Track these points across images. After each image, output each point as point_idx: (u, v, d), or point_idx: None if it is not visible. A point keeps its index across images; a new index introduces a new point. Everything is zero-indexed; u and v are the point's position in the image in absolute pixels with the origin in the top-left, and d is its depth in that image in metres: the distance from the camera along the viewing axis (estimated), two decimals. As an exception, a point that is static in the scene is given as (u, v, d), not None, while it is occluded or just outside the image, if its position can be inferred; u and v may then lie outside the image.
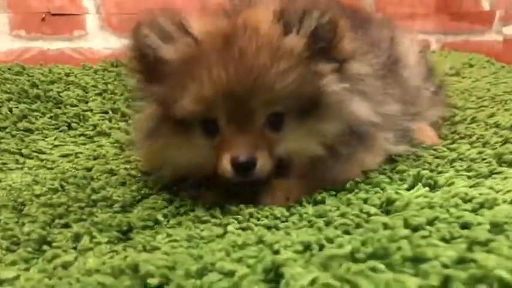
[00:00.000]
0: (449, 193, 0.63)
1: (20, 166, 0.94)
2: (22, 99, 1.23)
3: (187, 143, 0.69)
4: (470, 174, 0.75)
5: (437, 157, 0.93)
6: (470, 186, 0.68)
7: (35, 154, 1.00)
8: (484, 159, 0.87)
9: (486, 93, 1.54)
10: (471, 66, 1.87)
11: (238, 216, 0.63)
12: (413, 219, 0.52)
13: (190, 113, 0.66)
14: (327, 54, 0.69)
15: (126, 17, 1.63)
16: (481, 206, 0.55)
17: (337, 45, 0.69)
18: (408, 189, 0.69)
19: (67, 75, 1.43)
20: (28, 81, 1.32)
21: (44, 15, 1.52)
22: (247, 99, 0.64)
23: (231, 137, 0.65)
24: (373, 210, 0.58)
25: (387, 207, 0.60)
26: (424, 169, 0.82)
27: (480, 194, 0.58)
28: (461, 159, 0.88)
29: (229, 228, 0.59)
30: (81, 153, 1.02)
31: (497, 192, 0.61)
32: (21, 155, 1.00)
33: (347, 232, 0.53)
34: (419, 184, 0.68)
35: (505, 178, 0.69)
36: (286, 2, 0.69)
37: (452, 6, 2.17)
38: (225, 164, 0.64)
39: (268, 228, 0.59)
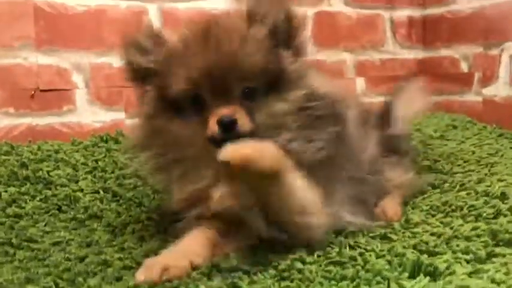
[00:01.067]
0: (450, 284, 0.63)
1: (9, 259, 0.91)
2: (11, 182, 1.22)
3: (182, 121, 0.89)
4: (468, 257, 0.75)
5: (432, 234, 0.93)
6: (470, 274, 0.68)
7: (25, 243, 0.97)
8: (479, 236, 0.87)
9: (471, 155, 1.57)
10: (454, 127, 1.92)
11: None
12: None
13: (182, 91, 0.86)
14: (286, 42, 0.91)
15: (115, 90, 1.65)
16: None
17: (294, 35, 0.92)
18: (409, 277, 0.69)
19: (56, 152, 1.43)
20: (17, 161, 1.31)
21: (33, 92, 1.53)
22: (225, 77, 0.85)
23: (215, 106, 0.85)
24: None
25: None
26: (421, 251, 0.82)
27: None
28: (456, 236, 0.89)
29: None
30: (72, 239, 1.00)
31: (498, 284, 0.61)
32: (11, 245, 0.97)
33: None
34: (421, 274, 0.67)
35: (505, 264, 0.70)
36: (254, 3, 0.91)
37: (433, 68, 2.24)
38: (212, 125, 0.83)
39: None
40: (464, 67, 2.10)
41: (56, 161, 1.37)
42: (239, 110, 0.84)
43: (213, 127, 0.83)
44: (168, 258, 0.80)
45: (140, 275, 0.76)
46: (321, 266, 0.78)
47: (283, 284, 0.73)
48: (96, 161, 1.38)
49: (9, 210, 1.11)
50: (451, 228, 0.94)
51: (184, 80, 0.86)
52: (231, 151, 0.73)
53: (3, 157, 1.32)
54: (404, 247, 0.85)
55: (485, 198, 1.12)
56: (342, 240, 0.89)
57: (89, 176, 1.31)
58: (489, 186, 1.20)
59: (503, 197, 1.10)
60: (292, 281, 0.74)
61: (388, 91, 2.22)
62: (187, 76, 0.86)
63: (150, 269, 0.77)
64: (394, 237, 0.92)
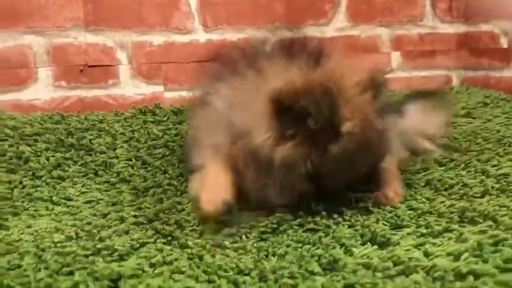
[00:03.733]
0: (391, 253, 0.73)
1: (49, 213, 1.10)
2: (58, 148, 1.42)
3: None
4: (425, 231, 0.83)
5: (411, 209, 1.01)
6: (417, 246, 0.77)
7: (63, 201, 1.16)
8: (452, 212, 0.94)
9: (494, 134, 1.57)
10: (486, 105, 1.90)
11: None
12: (344, 281, 0.63)
13: None
14: None
15: (155, 65, 1.81)
16: (401, 273, 0.64)
17: None
18: (360, 245, 0.79)
19: (100, 122, 1.62)
20: (65, 129, 1.51)
21: (82, 67, 1.72)
22: None
23: None
24: (316, 269, 0.69)
25: (331, 265, 0.71)
26: (391, 224, 0.91)
27: (409, 259, 0.68)
28: (430, 212, 0.96)
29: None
30: (101, 199, 1.17)
31: (427, 256, 0.70)
32: (52, 202, 1.16)
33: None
34: (369, 243, 0.77)
35: (450, 239, 0.78)
36: None
37: (472, 42, 2.21)
38: None
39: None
40: (503, 42, 2.06)
41: (99, 130, 1.56)
42: None
43: None
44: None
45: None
46: (297, 232, 0.90)
47: (259, 244, 0.86)
48: (133, 131, 1.56)
49: (54, 173, 1.31)
50: (431, 204, 1.01)
51: None
52: None
53: (54, 126, 1.53)
54: (377, 219, 0.94)
55: (483, 177, 1.16)
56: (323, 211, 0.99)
57: (125, 145, 1.48)
58: (495, 166, 1.23)
59: (502, 177, 1.13)
60: (266, 242, 0.86)
61: (426, 65, 2.25)
62: None
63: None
64: (375, 210, 1.01)
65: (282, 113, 0.89)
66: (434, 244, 0.77)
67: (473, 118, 1.78)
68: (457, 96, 2.01)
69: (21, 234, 0.97)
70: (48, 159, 1.36)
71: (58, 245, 0.88)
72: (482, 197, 1.04)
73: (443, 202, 1.02)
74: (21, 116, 1.55)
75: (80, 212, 1.11)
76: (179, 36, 1.82)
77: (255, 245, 0.86)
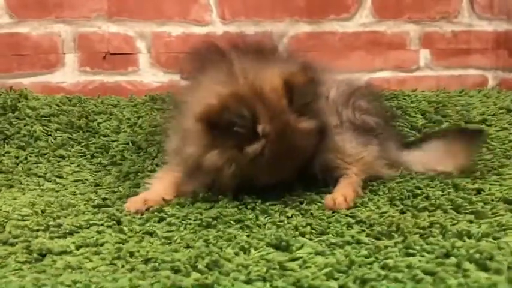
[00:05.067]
0: (284, 257, 0.78)
1: (37, 188, 1.25)
2: (67, 129, 1.57)
3: None
4: (333, 241, 0.85)
5: (351, 216, 1.02)
6: (315, 253, 0.81)
7: (54, 178, 1.31)
8: (382, 224, 0.94)
9: (502, 145, 1.52)
10: (509, 111, 1.80)
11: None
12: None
13: None
14: None
15: (173, 55, 1.91)
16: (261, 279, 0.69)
17: None
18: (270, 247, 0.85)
19: (114, 106, 1.75)
20: (79, 112, 1.66)
21: (104, 55, 1.87)
22: None
23: None
24: (200, 266, 0.76)
25: (216, 264, 0.77)
26: (307, 229, 0.93)
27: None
28: (363, 222, 0.96)
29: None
30: (87, 180, 1.31)
31: (305, 262, 0.74)
32: (45, 178, 1.31)
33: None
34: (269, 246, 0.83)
35: (334, 248, 0.81)
36: None
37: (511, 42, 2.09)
38: None
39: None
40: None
41: (110, 114, 1.69)
42: None
43: None
44: (146, 194, 1.11)
45: (129, 206, 1.07)
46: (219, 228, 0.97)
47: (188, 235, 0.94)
48: (139, 117, 1.68)
49: (57, 152, 1.46)
50: (375, 213, 1.02)
51: None
52: None
53: (70, 107, 1.68)
54: (306, 224, 0.95)
55: (450, 190, 1.15)
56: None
57: (128, 130, 1.61)
58: (476, 179, 1.21)
59: (473, 192, 1.12)
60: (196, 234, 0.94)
61: (459, 64, 2.15)
62: None
63: (135, 201, 1.08)
64: (317, 214, 1.04)
65: (210, 127, 1.01)
66: (323, 255, 0.79)
67: (488, 125, 1.71)
68: (482, 99, 1.92)
69: (3, 205, 1.11)
70: (55, 139, 1.52)
71: (20, 218, 1.01)
72: (432, 210, 1.04)
73: (386, 212, 1.03)
74: (44, 97, 1.72)
75: (65, 189, 1.25)
76: (197, 28, 1.91)
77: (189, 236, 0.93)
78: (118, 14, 1.86)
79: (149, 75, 1.91)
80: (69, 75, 1.86)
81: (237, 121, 0.98)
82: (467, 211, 1.01)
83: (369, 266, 0.69)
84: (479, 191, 1.14)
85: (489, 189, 1.14)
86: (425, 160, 1.32)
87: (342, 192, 1.11)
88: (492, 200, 1.07)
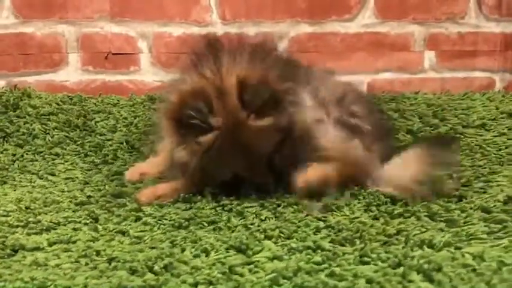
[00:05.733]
0: (242, 260, 0.79)
1: (29, 185, 1.29)
2: (65, 128, 1.61)
3: None
4: (295, 246, 0.85)
5: (322, 220, 1.03)
6: (273, 257, 0.82)
7: (46, 175, 1.35)
8: (341, 230, 0.94)
9: (498, 151, 1.49)
10: (510, 116, 1.76)
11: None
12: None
13: None
14: None
15: (174, 55, 1.94)
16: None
17: None
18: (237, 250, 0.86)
19: (114, 105, 1.79)
20: (78, 110, 1.70)
21: (107, 54, 1.91)
22: None
23: None
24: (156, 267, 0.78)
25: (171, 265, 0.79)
26: (267, 233, 0.93)
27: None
28: (328, 226, 0.96)
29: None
30: (77, 178, 1.34)
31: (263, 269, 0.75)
32: (38, 175, 1.35)
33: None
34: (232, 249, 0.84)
35: (294, 254, 0.82)
36: None
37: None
38: None
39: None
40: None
41: (109, 113, 1.73)
42: None
43: None
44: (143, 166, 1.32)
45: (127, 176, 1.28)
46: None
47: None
48: (135, 117, 1.71)
49: (53, 150, 1.51)
50: (344, 219, 1.02)
51: None
52: None
53: (70, 106, 1.73)
54: (272, 229, 0.95)
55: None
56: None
57: (124, 129, 1.64)
58: (466, 186, 1.19)
59: (455, 199, 1.10)
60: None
61: (465, 66, 2.12)
62: None
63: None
64: (290, 217, 1.05)
65: (174, 123, 1.08)
66: (280, 260, 0.80)
67: (486, 130, 1.68)
68: (484, 102, 1.89)
69: (-7, 201, 1.16)
70: (52, 137, 1.56)
71: (5, 213, 1.05)
72: (407, 217, 1.03)
73: (358, 218, 1.03)
74: (46, 95, 1.77)
75: (55, 186, 1.29)
76: (197, 29, 1.93)
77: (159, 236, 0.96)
78: (120, 15, 1.90)
79: (150, 75, 1.95)
80: (72, 74, 1.91)
81: (194, 114, 1.05)
82: (442, 219, 1.01)
83: (314, 274, 0.70)
84: (460, 199, 1.13)
85: (471, 197, 1.12)
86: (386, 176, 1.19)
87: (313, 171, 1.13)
88: (470, 208, 1.05)
